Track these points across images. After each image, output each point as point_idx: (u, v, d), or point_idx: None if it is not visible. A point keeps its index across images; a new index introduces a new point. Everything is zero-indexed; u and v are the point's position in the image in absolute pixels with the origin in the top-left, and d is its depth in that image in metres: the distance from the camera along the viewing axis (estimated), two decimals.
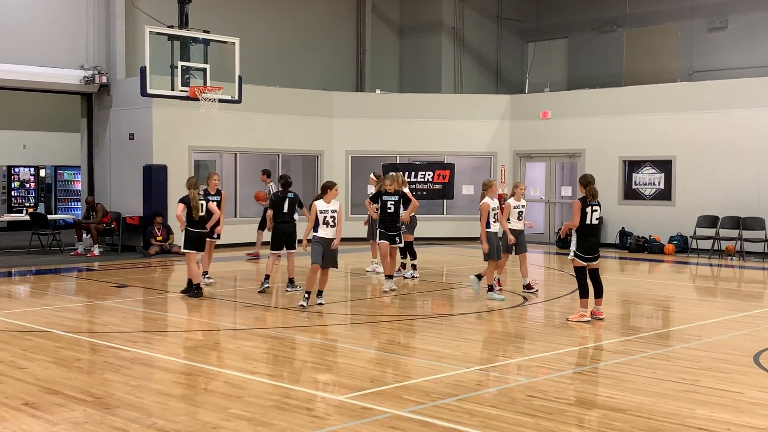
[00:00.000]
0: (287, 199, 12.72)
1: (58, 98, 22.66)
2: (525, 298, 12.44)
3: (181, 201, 12.35)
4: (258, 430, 6.06)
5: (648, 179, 20.62)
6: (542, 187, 22.86)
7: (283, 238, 12.76)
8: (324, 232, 11.16)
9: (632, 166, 20.87)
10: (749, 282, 15.58)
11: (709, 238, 18.98)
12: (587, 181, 10.70)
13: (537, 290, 13.03)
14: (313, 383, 7.57)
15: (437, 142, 22.62)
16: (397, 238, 13.14)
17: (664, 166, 20.29)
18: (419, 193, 18.66)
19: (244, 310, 11.56)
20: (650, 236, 20.10)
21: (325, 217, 11.17)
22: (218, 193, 13.46)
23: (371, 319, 10.88)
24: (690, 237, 19.40)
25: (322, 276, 11.51)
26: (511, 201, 12.78)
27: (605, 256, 17.89)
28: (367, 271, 15.49)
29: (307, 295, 11.43)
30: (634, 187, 20.84)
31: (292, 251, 12.87)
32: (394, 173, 14.03)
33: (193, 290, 12.36)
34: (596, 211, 10.58)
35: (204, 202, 12.58)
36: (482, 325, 10.45)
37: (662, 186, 20.38)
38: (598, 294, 10.64)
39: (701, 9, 22.93)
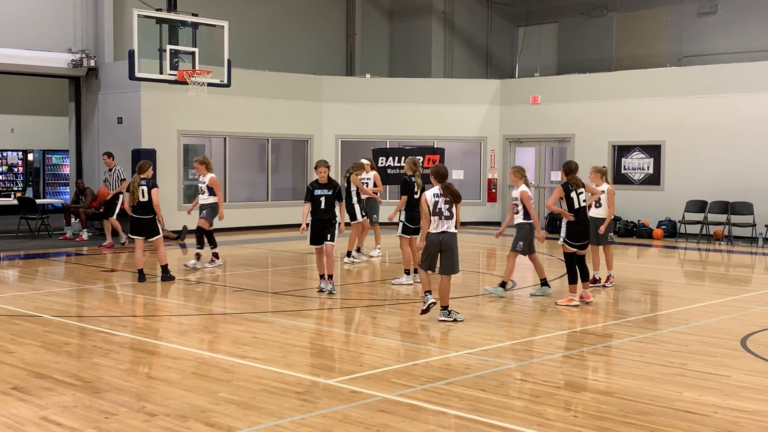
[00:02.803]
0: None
1: (45, 82, 22.52)
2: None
3: (127, 189, 12.42)
4: (247, 414, 6.07)
5: (637, 164, 20.66)
6: (531, 171, 22.85)
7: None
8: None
9: (621, 150, 20.90)
10: (737, 266, 15.66)
11: (697, 222, 19.05)
12: (570, 169, 10.70)
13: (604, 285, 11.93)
14: (302, 367, 7.57)
15: (427, 127, 22.58)
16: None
17: (653, 150, 20.33)
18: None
19: (234, 294, 11.55)
20: (639, 221, 20.16)
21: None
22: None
23: (361, 303, 10.88)
24: (678, 222, 19.46)
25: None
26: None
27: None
28: (372, 257, 15.38)
29: (447, 311, 9.59)
30: (623, 171, 20.87)
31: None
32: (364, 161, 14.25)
33: (142, 276, 12.36)
34: (581, 194, 10.63)
35: (145, 188, 12.20)
36: (471, 309, 10.47)
37: (651, 171, 20.42)
38: (585, 278, 10.68)
39: None
